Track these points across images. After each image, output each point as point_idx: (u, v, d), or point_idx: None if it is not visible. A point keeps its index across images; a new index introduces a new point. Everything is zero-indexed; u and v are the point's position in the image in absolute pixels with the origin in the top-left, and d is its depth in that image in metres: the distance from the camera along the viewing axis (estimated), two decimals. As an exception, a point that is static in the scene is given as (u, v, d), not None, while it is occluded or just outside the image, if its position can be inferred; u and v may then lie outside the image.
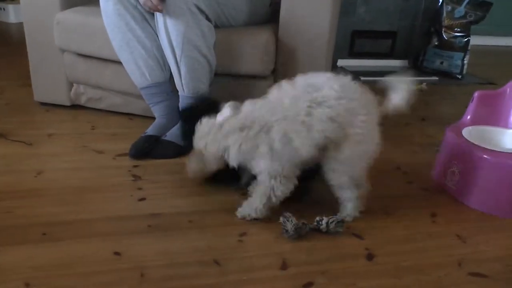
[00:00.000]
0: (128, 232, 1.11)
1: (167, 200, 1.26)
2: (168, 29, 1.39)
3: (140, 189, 1.31)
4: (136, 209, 1.21)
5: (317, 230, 1.15)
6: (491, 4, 2.83)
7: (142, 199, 1.26)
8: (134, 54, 1.50)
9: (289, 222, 1.11)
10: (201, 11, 1.40)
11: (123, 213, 1.19)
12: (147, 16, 1.49)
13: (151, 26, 1.50)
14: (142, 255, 1.03)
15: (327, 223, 1.14)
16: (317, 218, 1.16)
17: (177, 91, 1.53)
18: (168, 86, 1.57)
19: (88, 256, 1.02)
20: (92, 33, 1.63)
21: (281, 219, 1.13)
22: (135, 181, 1.36)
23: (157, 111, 1.58)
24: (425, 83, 2.65)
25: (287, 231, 1.11)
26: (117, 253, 1.03)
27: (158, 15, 1.39)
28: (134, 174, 1.39)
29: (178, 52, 1.42)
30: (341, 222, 1.15)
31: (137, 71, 1.52)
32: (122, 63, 1.54)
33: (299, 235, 1.12)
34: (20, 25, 3.68)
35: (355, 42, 3.03)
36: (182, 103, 1.51)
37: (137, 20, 1.47)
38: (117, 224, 1.14)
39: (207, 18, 1.43)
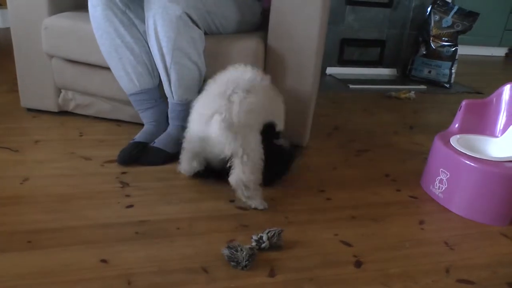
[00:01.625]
0: (115, 240, 1.10)
1: (154, 207, 1.26)
2: (159, 36, 1.39)
3: (128, 196, 1.30)
4: (124, 216, 1.20)
5: (258, 249, 1.08)
6: (477, 14, 2.87)
7: (130, 206, 1.25)
8: (122, 60, 1.49)
9: (240, 252, 1.02)
10: (192, 19, 1.41)
11: (110, 220, 1.18)
12: (136, 21, 1.49)
13: (140, 32, 1.50)
14: (129, 263, 1.02)
15: (268, 238, 1.08)
16: (254, 237, 1.09)
17: (166, 97, 1.53)
18: (157, 92, 1.56)
19: (74, 264, 1.00)
20: (80, 38, 1.62)
21: (226, 252, 1.03)
22: (122, 188, 1.34)
23: (146, 117, 1.57)
24: (413, 92, 2.67)
25: (238, 262, 1.01)
26: (103, 261, 1.02)
27: (149, 22, 1.39)
28: (122, 181, 1.38)
29: (168, 59, 1.41)
30: (280, 234, 1.10)
31: (126, 77, 1.51)
32: (111, 68, 1.53)
33: (242, 262, 1.02)
34: (7, 30, 3.65)
35: (344, 50, 3.06)
36: (171, 109, 1.51)
37: (126, 25, 1.47)
38: (104, 231, 1.13)
39: (197, 26, 1.44)
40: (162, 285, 0.96)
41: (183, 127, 1.46)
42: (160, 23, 1.37)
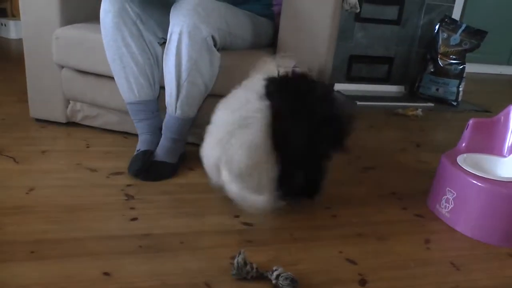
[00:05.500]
0: (119, 252, 1.09)
1: (159, 220, 1.25)
2: (181, 53, 1.40)
3: (132, 208, 1.30)
4: (128, 229, 1.20)
5: (265, 278, 1.03)
6: (486, 32, 2.87)
7: (134, 219, 1.25)
8: (126, 69, 1.50)
9: (237, 259, 1.02)
10: (215, 42, 1.43)
11: (114, 232, 1.18)
12: (144, 34, 1.50)
13: (146, 44, 1.51)
14: (132, 276, 1.01)
15: (278, 275, 1.01)
16: (274, 268, 1.03)
17: (162, 110, 1.53)
18: (155, 105, 1.57)
19: (76, 275, 1.00)
20: (90, 48, 1.64)
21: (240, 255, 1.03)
22: (127, 200, 1.34)
23: (141, 128, 1.57)
24: (420, 109, 2.66)
25: (234, 268, 1.02)
26: (106, 274, 1.01)
27: (173, 36, 1.40)
28: (127, 193, 1.38)
29: (184, 77, 1.43)
30: (294, 282, 1.00)
31: (126, 85, 1.52)
32: (113, 74, 1.54)
33: (242, 276, 1.02)
34: (20, 41, 3.70)
35: (352, 66, 3.06)
36: (169, 122, 1.51)
37: (134, 36, 1.48)
38: (108, 243, 1.13)
39: (218, 49, 1.47)
40: (164, 299, 0.95)
41: (176, 139, 1.52)
42: (185, 42, 1.39)
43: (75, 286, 0.96)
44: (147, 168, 1.46)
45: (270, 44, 1.81)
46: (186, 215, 1.30)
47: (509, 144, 1.48)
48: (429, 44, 3.05)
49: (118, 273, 1.02)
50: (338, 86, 3.07)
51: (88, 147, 1.70)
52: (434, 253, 1.23)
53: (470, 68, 3.18)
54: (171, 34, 1.41)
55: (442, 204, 1.41)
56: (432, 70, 3.02)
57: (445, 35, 2.95)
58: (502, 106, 1.55)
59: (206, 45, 1.41)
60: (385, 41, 3.06)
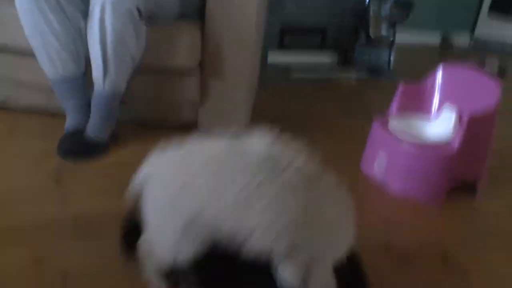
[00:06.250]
0: (50, 237, 1.05)
1: (91, 201, 1.21)
2: (105, 25, 1.34)
3: (62, 190, 1.25)
4: (59, 212, 1.15)
5: None
6: (413, 4, 2.97)
7: (65, 201, 1.20)
8: (46, 45, 1.41)
9: None
10: (141, 14, 1.38)
11: (45, 216, 1.13)
12: (64, 5, 1.41)
13: (67, 16, 1.42)
14: (65, 260, 0.98)
15: None
16: None
17: (89, 88, 1.47)
18: (82, 81, 1.49)
19: (5, 265, 0.95)
20: (6, 23, 1.51)
21: None
22: (58, 182, 1.29)
23: (69, 106, 1.50)
24: (353, 78, 2.72)
25: None
26: (37, 260, 0.97)
27: (95, 10, 1.33)
28: (57, 175, 1.32)
29: (110, 51, 1.37)
30: None
31: (48, 61, 1.44)
32: (33, 50, 1.44)
33: None
34: None
35: (284, 37, 3.06)
36: (98, 99, 1.45)
37: (53, 8, 1.39)
38: (38, 229, 1.08)
39: (144, 22, 1.41)
40: (100, 281, 0.92)
41: (105, 116, 1.46)
42: (109, 14, 1.32)
43: (4, 277, 0.91)
44: (77, 148, 1.40)
45: (197, 15, 1.76)
46: (119, 194, 1.26)
47: (435, 108, 1.55)
48: (361, 14, 3.11)
49: (50, 258, 0.98)
50: (270, 57, 3.06)
51: (12, 131, 1.59)
52: (367, 213, 1.27)
53: (400, 38, 3.28)
54: (93, 7, 1.34)
55: (375, 166, 1.45)
56: (364, 40, 3.09)
57: (376, 6, 3.02)
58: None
59: (131, 17, 1.35)
60: (318, 12, 3.08)
